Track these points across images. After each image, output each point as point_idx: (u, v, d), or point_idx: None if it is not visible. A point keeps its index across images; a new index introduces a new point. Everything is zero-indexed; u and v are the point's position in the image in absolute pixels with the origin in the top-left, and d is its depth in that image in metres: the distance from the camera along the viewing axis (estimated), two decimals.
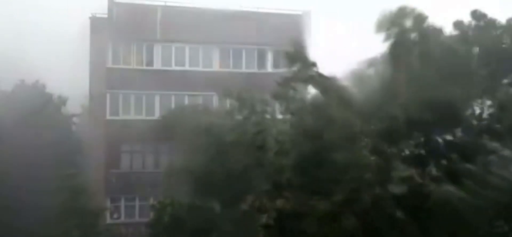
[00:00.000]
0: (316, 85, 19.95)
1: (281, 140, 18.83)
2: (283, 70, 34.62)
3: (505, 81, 24.86)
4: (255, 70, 37.15)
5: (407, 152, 18.17)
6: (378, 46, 22.61)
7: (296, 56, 19.94)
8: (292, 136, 18.67)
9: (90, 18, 36.53)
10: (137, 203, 34.74)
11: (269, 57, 37.42)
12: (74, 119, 38.00)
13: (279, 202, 16.99)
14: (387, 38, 19.51)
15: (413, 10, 19.58)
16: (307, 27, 35.88)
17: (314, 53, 22.03)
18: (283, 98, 20.89)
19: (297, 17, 36.92)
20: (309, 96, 20.78)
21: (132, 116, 35.64)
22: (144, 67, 36.38)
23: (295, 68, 20.13)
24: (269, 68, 37.25)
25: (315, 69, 20.02)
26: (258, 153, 19.38)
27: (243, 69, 36.98)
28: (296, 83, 20.26)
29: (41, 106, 35.05)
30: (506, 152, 18.11)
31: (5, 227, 29.23)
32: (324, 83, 19.64)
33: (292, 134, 18.90)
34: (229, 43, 36.83)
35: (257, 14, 36.89)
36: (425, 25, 19.48)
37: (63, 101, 37.22)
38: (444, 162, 18.39)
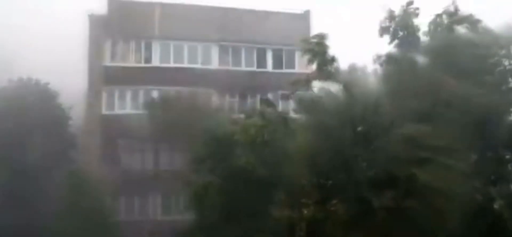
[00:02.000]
0: (339, 82, 19.05)
1: (300, 144, 17.96)
2: (283, 70, 35.29)
3: None
4: (254, 68, 37.08)
5: None
6: (377, 44, 22.61)
7: (317, 51, 19.19)
8: (311, 139, 17.87)
9: (88, 15, 36.40)
10: (136, 201, 34.70)
11: (269, 56, 37.36)
12: (70, 112, 37.81)
13: (307, 211, 16.65)
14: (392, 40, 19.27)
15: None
16: (307, 26, 35.86)
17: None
18: (302, 101, 20.06)
19: (297, 16, 36.93)
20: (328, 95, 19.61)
21: (129, 112, 35.54)
22: (143, 65, 36.29)
23: (315, 65, 19.41)
24: (269, 67, 37.21)
25: (336, 64, 19.39)
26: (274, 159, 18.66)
27: (243, 67, 36.95)
28: (315, 80, 19.60)
29: (35, 101, 34.82)
30: None
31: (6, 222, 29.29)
32: (348, 79, 18.97)
33: (311, 136, 18.10)
34: (228, 41, 36.78)
35: (257, 12, 36.87)
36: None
37: (55, 94, 36.95)
38: None
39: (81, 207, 29.32)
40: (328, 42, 19.52)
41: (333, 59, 19.23)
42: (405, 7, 19.80)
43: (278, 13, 36.92)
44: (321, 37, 19.35)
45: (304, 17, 37.02)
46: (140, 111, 34.22)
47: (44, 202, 30.30)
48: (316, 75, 19.43)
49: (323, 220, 16.35)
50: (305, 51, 19.47)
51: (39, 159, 31.88)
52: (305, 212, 16.50)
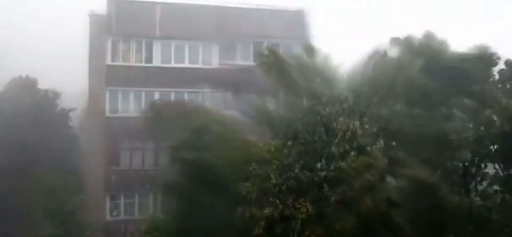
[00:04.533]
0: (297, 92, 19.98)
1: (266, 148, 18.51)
2: None
3: None
4: (251, 62, 36.96)
5: None
6: (375, 41, 22.84)
7: (271, 64, 19.91)
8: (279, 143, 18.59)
9: (89, 15, 36.48)
10: (136, 200, 34.71)
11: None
12: (70, 114, 37.78)
13: (268, 210, 16.91)
14: None
15: None
16: (306, 23, 35.85)
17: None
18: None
19: (296, 13, 36.88)
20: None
21: (131, 113, 35.54)
22: (144, 64, 36.25)
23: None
24: None
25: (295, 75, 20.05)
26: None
27: (243, 66, 36.85)
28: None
29: (33, 101, 34.82)
30: None
31: None
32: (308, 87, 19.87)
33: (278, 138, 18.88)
34: (228, 39, 36.72)
35: (257, 10, 36.83)
36: None
37: (56, 95, 36.92)
38: None
39: (57, 209, 29.13)
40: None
41: (289, 69, 19.93)
42: None
43: (276, 11, 36.93)
44: (274, 51, 20.08)
45: (302, 14, 36.97)
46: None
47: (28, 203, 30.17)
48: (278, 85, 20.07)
49: (290, 218, 16.79)
50: (261, 64, 20.18)
51: (35, 160, 31.85)
52: (269, 210, 16.77)
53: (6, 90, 35.67)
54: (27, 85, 36.19)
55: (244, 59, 37.08)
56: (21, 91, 35.32)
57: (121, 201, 34.81)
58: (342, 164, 16.71)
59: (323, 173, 17.38)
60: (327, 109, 18.24)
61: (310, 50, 21.68)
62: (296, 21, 35.97)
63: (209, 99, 34.71)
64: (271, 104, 20.96)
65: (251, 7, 36.62)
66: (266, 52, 20.23)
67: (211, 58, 36.79)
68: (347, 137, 16.74)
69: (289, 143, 18.16)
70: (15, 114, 33.45)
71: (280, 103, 20.47)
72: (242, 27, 36.24)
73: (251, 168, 17.78)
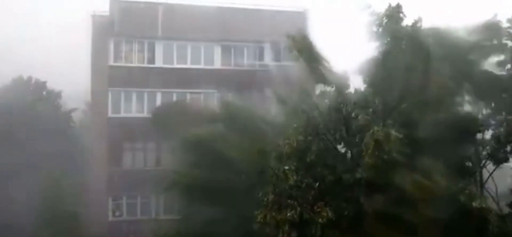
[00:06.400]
0: (326, 82, 19.04)
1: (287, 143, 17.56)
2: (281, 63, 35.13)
3: None
4: (256, 67, 37.06)
5: None
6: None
7: (303, 49, 18.91)
8: (300, 138, 17.67)
9: (91, 16, 36.53)
10: (138, 201, 34.77)
11: (270, 53, 37.30)
12: (72, 115, 37.83)
13: (290, 213, 16.11)
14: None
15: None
16: (307, 24, 35.82)
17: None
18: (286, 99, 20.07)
19: (297, 14, 36.88)
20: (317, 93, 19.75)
21: (133, 114, 35.63)
22: (146, 65, 36.32)
23: (301, 63, 19.11)
24: (267, 61, 37.13)
25: (325, 64, 19.14)
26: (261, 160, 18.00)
27: (245, 66, 36.97)
28: (303, 80, 19.46)
29: (33, 100, 34.86)
30: None
31: None
32: (335, 80, 18.97)
33: (300, 135, 17.89)
34: (230, 40, 36.79)
35: (258, 11, 36.85)
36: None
37: (57, 95, 36.88)
38: None
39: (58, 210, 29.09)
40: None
41: (319, 57, 19.05)
42: (390, 12, 19.68)
43: (278, 11, 36.92)
44: (305, 35, 19.37)
45: (303, 14, 37.03)
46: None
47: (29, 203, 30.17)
48: (305, 74, 19.29)
49: (311, 222, 16.02)
50: (291, 47, 19.36)
51: (36, 159, 31.92)
52: (291, 213, 15.96)
53: (9, 90, 35.76)
54: (29, 85, 36.26)
55: (246, 60, 37.18)
56: (23, 91, 35.40)
57: (124, 201, 34.89)
58: (396, 178, 15.56)
59: (357, 175, 16.55)
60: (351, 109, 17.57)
61: None
62: (298, 21, 35.92)
63: (212, 100, 34.74)
64: (293, 97, 19.89)
65: (253, 8, 36.69)
66: (297, 36, 19.21)
67: (213, 59, 36.89)
68: (376, 153, 15.52)
69: (310, 138, 17.39)
70: (17, 113, 33.53)
71: (305, 95, 19.41)
72: (244, 27, 36.29)
73: (269, 167, 17.02)
